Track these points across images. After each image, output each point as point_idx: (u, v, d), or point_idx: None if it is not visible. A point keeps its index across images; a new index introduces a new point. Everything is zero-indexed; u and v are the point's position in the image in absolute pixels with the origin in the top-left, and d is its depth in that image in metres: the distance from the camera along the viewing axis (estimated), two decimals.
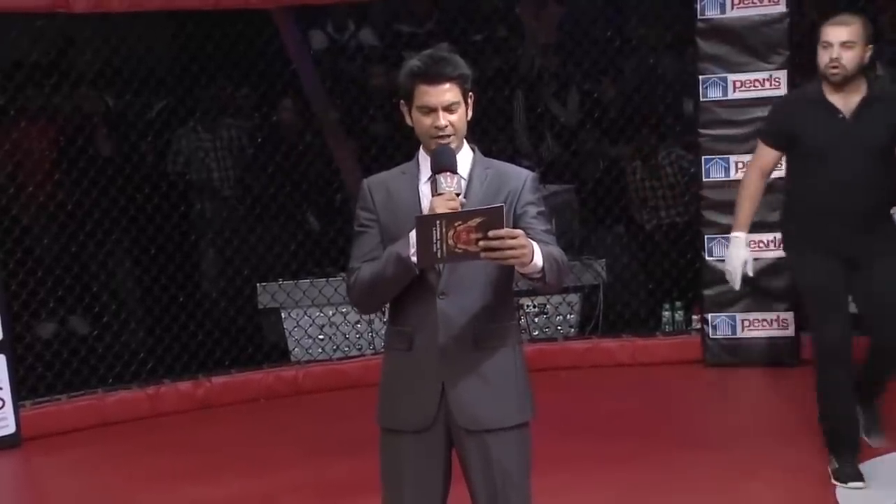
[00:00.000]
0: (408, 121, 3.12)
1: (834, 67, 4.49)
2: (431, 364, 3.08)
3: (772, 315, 6.74)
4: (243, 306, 7.23)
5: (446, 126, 3.04)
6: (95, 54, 6.91)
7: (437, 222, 2.87)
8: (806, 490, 4.86)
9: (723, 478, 5.10)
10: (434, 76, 3.03)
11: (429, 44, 7.64)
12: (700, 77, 6.73)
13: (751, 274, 4.77)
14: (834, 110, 4.55)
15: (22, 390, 6.28)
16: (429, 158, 3.09)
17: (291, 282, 7.09)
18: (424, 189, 3.09)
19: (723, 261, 6.72)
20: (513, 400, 3.14)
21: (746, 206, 4.77)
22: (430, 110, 3.04)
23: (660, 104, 7.63)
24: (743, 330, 6.80)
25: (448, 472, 3.17)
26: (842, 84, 4.53)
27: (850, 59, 4.47)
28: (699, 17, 6.69)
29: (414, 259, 2.95)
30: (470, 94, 3.11)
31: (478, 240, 2.86)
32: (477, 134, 7.99)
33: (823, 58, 4.53)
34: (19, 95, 6.70)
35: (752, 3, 6.58)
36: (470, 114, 3.12)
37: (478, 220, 2.88)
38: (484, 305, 3.09)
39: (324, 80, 7.82)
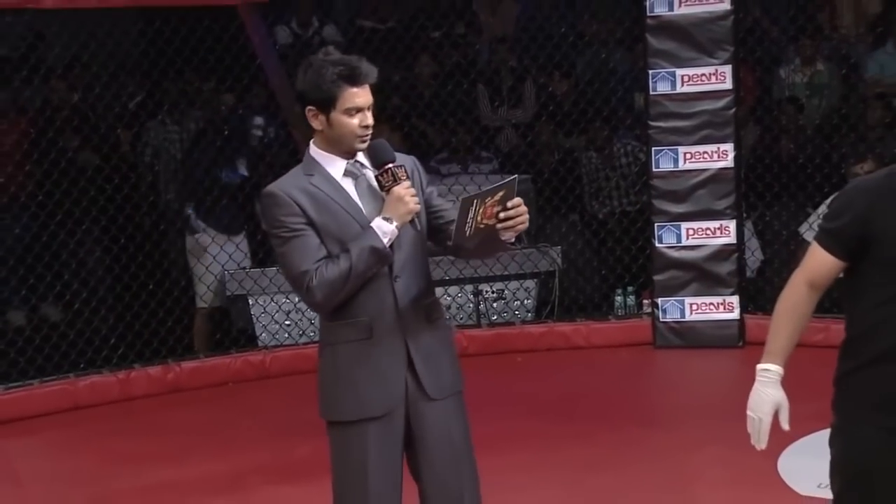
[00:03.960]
0: (317, 125, 3.07)
1: None
2: (395, 344, 3.08)
3: (718, 299, 6.80)
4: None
5: (372, 124, 3.06)
6: (64, 49, 6.84)
7: (475, 201, 2.94)
8: (749, 463, 4.87)
9: (671, 452, 5.15)
10: (359, 78, 3.03)
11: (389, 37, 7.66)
12: (650, 71, 6.76)
13: (786, 427, 2.99)
14: None
15: None
16: (330, 156, 3.09)
17: (258, 269, 7.07)
18: (345, 183, 3.09)
19: (671, 247, 6.87)
20: (457, 367, 3.22)
21: (786, 329, 3.04)
22: (358, 111, 3.04)
23: (612, 97, 7.66)
24: (691, 313, 6.85)
25: (401, 460, 3.16)
26: None
27: None
28: (648, 14, 6.72)
29: (389, 247, 3.01)
30: None
31: (498, 213, 2.98)
32: (437, 126, 8.03)
33: None
34: None
35: (699, 0, 6.63)
36: None
37: (501, 193, 2.99)
38: (426, 280, 3.16)
39: (289, 74, 7.78)
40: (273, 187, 3.10)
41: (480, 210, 2.95)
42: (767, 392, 2.97)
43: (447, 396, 3.14)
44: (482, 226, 2.97)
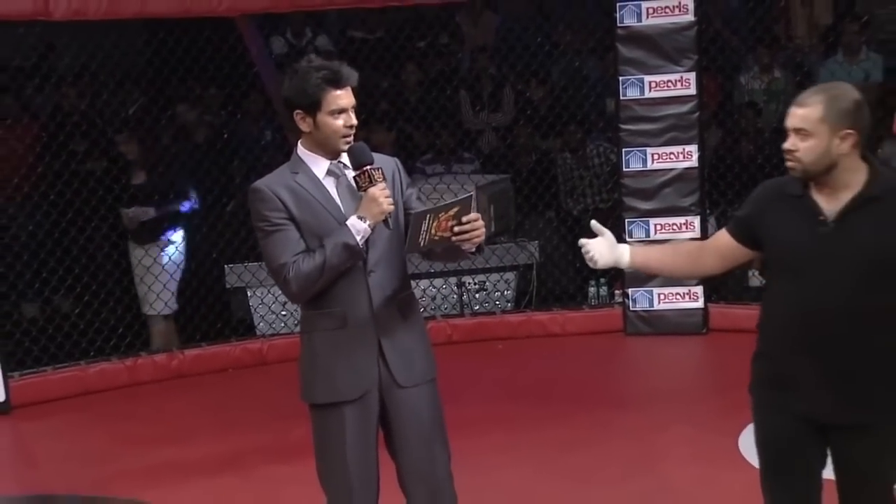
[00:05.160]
0: (304, 127, 3.06)
1: (789, 160, 2.87)
2: (368, 334, 3.08)
3: (683, 289, 6.80)
4: (213, 286, 7.18)
5: (355, 124, 3.05)
6: (74, 58, 6.80)
7: (428, 216, 2.94)
8: (711, 442, 4.93)
9: (640, 432, 5.16)
10: (342, 81, 3.02)
11: (377, 47, 7.63)
12: (620, 78, 6.76)
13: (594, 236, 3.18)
14: (814, 211, 2.85)
15: (11, 363, 6.20)
16: (315, 155, 3.08)
17: (256, 263, 7.03)
18: (327, 182, 3.09)
19: (641, 241, 6.86)
20: (428, 356, 3.21)
21: (663, 247, 3.34)
22: (342, 112, 3.03)
23: (585, 102, 7.65)
24: (659, 303, 6.85)
25: (377, 439, 3.17)
26: (815, 178, 2.85)
27: (807, 150, 2.82)
28: (619, 24, 6.71)
29: (362, 245, 3.00)
30: None
31: (453, 226, 2.96)
32: (422, 129, 8.01)
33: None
34: (3, 96, 6.58)
35: (665, 12, 6.62)
36: None
37: (455, 209, 2.97)
38: (401, 276, 3.15)
39: (283, 81, 7.73)
40: (259, 183, 3.10)
41: (434, 224, 2.94)
42: (604, 251, 3.14)
43: (419, 384, 3.14)
44: (437, 237, 2.97)
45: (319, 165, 3.10)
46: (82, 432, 5.79)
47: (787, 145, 2.84)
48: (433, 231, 2.95)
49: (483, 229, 3.02)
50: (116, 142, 6.84)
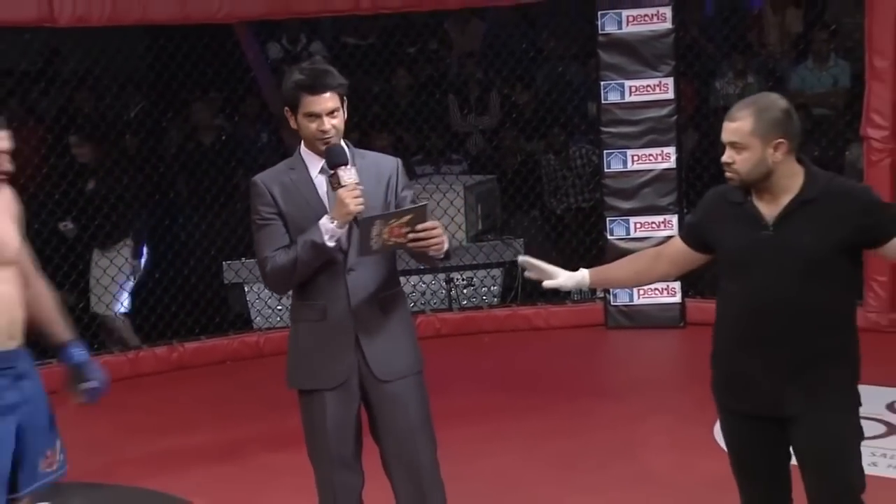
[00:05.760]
0: (292, 124, 3.08)
1: (728, 172, 2.88)
2: (346, 329, 3.09)
3: (661, 284, 6.79)
4: (211, 281, 7.17)
5: (330, 129, 3.03)
6: (78, 63, 6.78)
7: (377, 222, 2.91)
8: (689, 431, 4.94)
9: (620, 421, 5.18)
10: (318, 87, 3.01)
11: (369, 52, 7.63)
12: (601, 83, 6.77)
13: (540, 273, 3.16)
14: (755, 217, 2.86)
15: None
16: (313, 155, 3.09)
17: (252, 260, 7.02)
18: (319, 180, 3.09)
19: (621, 239, 6.88)
20: (412, 352, 3.19)
21: (618, 263, 3.29)
22: (316, 116, 3.02)
23: (568, 106, 7.67)
24: (638, 297, 6.87)
25: (360, 424, 3.18)
26: (754, 186, 2.86)
27: (743, 162, 2.83)
28: (600, 32, 6.73)
29: (330, 244, 2.99)
30: (345, 98, 3.08)
31: (407, 233, 2.93)
32: (412, 132, 8.01)
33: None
34: (9, 100, 6.56)
35: (644, 20, 6.65)
36: (345, 115, 3.09)
37: (407, 217, 2.94)
38: (383, 276, 3.13)
39: (279, 85, 7.73)
40: (257, 177, 3.13)
41: (386, 230, 2.92)
42: (560, 276, 3.14)
43: (404, 377, 3.13)
44: (391, 242, 2.96)
45: (314, 164, 3.10)
46: (86, 422, 5.73)
47: (724, 158, 2.85)
48: (385, 236, 2.92)
49: (442, 238, 2.99)
50: (70, 143, 6.64)
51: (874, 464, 4.36)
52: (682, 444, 4.85)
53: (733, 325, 2.89)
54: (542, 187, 7.75)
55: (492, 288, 7.34)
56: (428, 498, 3.18)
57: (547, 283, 3.12)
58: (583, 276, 3.13)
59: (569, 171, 7.71)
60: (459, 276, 7.24)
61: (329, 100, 3.01)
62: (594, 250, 7.20)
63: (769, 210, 2.83)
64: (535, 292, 7.42)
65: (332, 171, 3.02)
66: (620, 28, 6.69)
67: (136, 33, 7.13)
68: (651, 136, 6.75)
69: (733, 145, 2.82)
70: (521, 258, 3.17)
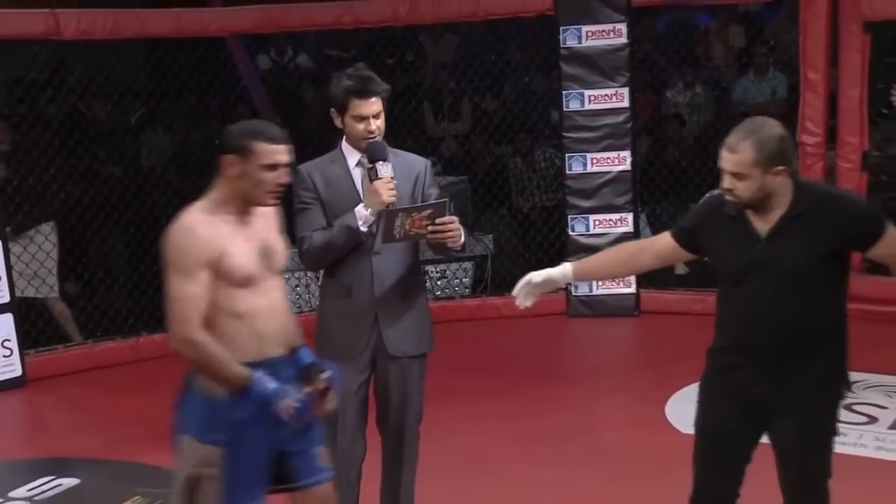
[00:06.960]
0: (338, 124, 3.16)
1: (729, 197, 2.79)
2: (368, 307, 3.16)
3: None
4: None
5: (375, 129, 3.12)
6: (82, 73, 6.75)
7: (401, 213, 3.00)
8: (642, 409, 5.00)
9: (581, 401, 5.22)
10: (366, 92, 3.09)
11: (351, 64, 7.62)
12: (563, 92, 6.80)
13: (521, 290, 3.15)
14: (749, 232, 2.81)
15: (27, 341, 6.14)
16: (352, 150, 3.17)
17: None
18: (355, 172, 3.17)
19: (582, 235, 6.93)
20: (425, 334, 3.29)
21: (604, 254, 3.24)
22: (363, 118, 3.08)
23: (533, 113, 7.70)
24: (597, 288, 6.89)
25: (367, 397, 3.29)
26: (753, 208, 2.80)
27: (744, 189, 2.74)
28: (562, 46, 6.75)
29: (363, 229, 3.07)
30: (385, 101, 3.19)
31: (427, 225, 3.02)
32: (391, 137, 8.01)
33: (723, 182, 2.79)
34: (20, 106, 6.51)
35: (602, 35, 6.67)
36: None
37: (428, 211, 3.02)
38: (406, 262, 3.21)
39: (268, 94, 7.74)
40: (301, 166, 3.18)
41: (408, 221, 3.00)
42: (545, 270, 3.11)
43: (409, 356, 3.24)
44: (412, 233, 3.04)
45: (352, 157, 3.18)
46: (91, 403, 5.76)
47: (725, 185, 2.75)
48: (407, 227, 3.01)
49: (459, 231, 3.08)
50: None
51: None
52: (636, 422, 4.90)
53: (733, 324, 2.87)
54: (510, 187, 7.77)
55: (463, 280, 7.37)
56: (405, 451, 3.32)
57: (536, 274, 3.12)
58: (565, 270, 3.11)
59: (534, 172, 7.74)
60: (433, 269, 7.26)
61: (375, 104, 3.11)
62: (557, 245, 7.24)
63: (762, 224, 2.78)
64: (504, 284, 7.45)
65: (370, 165, 3.09)
66: (580, 42, 6.72)
67: (135, 46, 7.09)
68: (608, 140, 6.79)
69: (735, 175, 2.72)
70: (524, 295, 3.09)
